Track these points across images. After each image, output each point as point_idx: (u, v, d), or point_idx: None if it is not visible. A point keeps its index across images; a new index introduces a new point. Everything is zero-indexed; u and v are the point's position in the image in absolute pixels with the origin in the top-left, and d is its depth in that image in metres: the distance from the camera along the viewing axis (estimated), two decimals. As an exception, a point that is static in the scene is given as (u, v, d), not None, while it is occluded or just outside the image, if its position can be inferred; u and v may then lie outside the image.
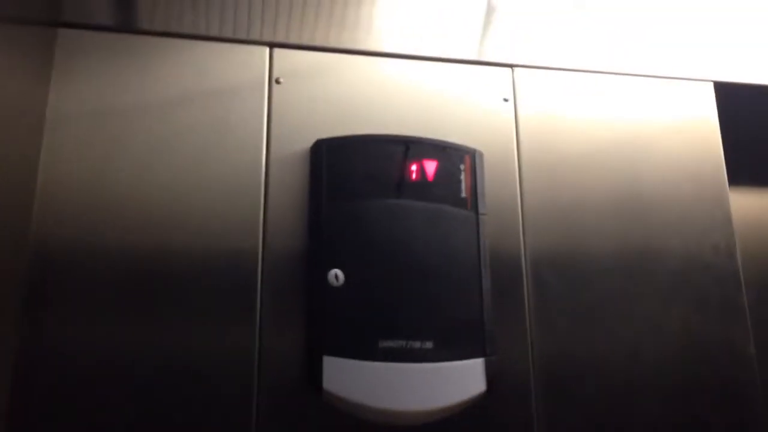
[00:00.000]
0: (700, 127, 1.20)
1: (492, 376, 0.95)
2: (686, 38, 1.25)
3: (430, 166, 1.02)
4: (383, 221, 0.97)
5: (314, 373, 0.90)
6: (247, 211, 0.97)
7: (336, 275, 0.93)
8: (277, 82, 1.04)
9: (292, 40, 1.07)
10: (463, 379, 0.94)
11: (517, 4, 1.19)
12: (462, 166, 1.04)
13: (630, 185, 1.13)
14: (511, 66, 1.15)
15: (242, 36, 1.04)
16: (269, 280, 0.95)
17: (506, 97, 1.13)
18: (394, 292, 0.95)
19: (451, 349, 0.94)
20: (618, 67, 1.20)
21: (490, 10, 1.17)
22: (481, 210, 1.03)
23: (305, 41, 1.07)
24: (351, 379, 0.90)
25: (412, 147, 1.02)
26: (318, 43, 1.08)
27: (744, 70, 1.26)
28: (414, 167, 1.01)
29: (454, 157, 1.04)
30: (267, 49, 1.05)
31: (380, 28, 1.11)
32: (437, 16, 1.14)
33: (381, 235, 0.96)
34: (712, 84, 1.23)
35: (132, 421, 0.86)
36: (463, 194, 1.02)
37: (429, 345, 0.93)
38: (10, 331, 0.84)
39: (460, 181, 1.03)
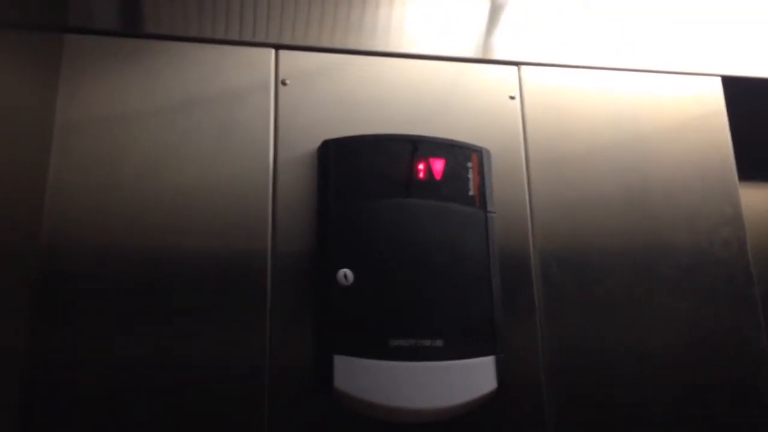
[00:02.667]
0: (709, 122, 1.20)
1: (503, 373, 0.95)
2: (693, 33, 1.25)
3: (438, 165, 1.02)
4: (391, 220, 0.97)
5: (325, 373, 0.90)
6: (255, 212, 0.97)
7: (345, 275, 0.93)
8: (284, 83, 1.04)
9: (298, 42, 1.07)
10: (474, 377, 0.93)
11: (523, 2, 1.19)
12: (469, 165, 1.04)
13: (638, 181, 1.13)
14: (517, 64, 1.15)
15: (248, 38, 1.05)
16: (279, 281, 0.95)
17: (513, 95, 1.13)
18: (404, 290, 0.94)
19: (461, 347, 0.94)
20: (625, 63, 1.20)
21: (495, 8, 1.17)
22: (489, 208, 1.03)
23: (311, 42, 1.08)
24: (362, 377, 0.89)
25: (419, 146, 1.02)
26: (323, 44, 1.08)
27: (752, 64, 1.25)
28: (421, 166, 1.01)
29: (461, 155, 1.04)
30: (273, 51, 1.06)
31: (385, 28, 1.11)
32: (442, 15, 1.14)
33: (389, 234, 0.96)
34: (720, 78, 1.23)
35: (143, 421, 0.86)
36: (471, 192, 1.02)
37: (439, 343, 0.93)
38: (20, 333, 0.85)
39: (467, 180, 1.03)
